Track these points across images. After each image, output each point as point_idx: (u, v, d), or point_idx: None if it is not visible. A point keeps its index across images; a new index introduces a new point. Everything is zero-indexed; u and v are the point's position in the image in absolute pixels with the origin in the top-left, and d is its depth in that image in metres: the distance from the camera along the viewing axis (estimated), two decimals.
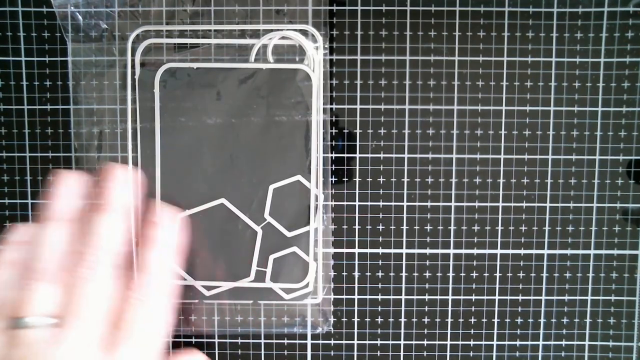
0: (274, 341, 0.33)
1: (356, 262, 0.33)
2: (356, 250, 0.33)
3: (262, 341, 0.33)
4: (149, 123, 0.30)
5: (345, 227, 0.32)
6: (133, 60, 0.30)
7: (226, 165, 0.30)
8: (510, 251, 0.33)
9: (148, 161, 0.30)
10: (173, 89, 0.30)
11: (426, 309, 0.33)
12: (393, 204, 0.32)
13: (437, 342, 0.33)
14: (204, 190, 0.30)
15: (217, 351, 0.33)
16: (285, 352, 0.33)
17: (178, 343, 0.33)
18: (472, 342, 0.33)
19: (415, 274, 0.33)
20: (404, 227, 0.33)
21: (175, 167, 0.30)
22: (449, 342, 0.33)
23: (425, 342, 0.33)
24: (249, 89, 0.30)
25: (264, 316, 0.33)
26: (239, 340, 0.33)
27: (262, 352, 0.33)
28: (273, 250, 0.31)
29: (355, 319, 0.33)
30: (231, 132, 0.30)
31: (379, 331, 0.33)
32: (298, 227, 0.31)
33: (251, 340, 0.33)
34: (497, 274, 0.33)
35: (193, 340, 0.33)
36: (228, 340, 0.33)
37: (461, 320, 0.33)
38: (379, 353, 0.33)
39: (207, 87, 0.30)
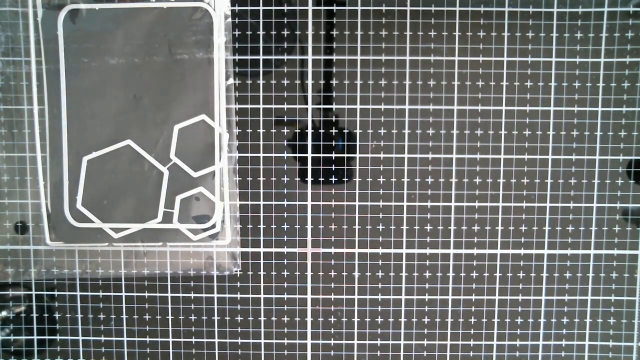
0: (274, 341, 0.33)
1: (356, 262, 0.33)
2: (356, 250, 0.33)
3: (262, 341, 0.33)
4: (53, 64, 0.30)
5: (345, 227, 0.32)
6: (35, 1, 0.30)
7: (130, 106, 0.30)
8: (510, 251, 0.33)
9: (54, 102, 0.30)
10: (76, 30, 0.30)
11: (426, 309, 0.33)
12: (393, 204, 0.32)
13: (437, 342, 0.33)
14: (109, 132, 0.30)
15: (217, 351, 0.33)
16: (285, 352, 0.33)
17: (178, 343, 0.33)
18: (472, 342, 0.33)
19: (415, 274, 0.33)
20: (404, 227, 0.33)
21: (81, 109, 0.30)
22: (449, 342, 0.33)
23: (425, 342, 0.33)
24: (151, 28, 0.30)
25: (171, 258, 0.33)
26: (239, 340, 0.33)
27: (262, 352, 0.33)
28: (179, 191, 0.31)
29: (355, 319, 0.33)
30: (134, 72, 0.30)
31: (379, 331, 0.33)
32: (204, 167, 0.31)
33: (251, 340, 0.33)
34: (497, 274, 0.33)
35: (193, 340, 0.33)
36: (228, 340, 0.33)
37: (461, 320, 0.33)
38: (379, 353, 0.33)
39: (110, 28, 0.30)
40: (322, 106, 0.32)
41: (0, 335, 0.34)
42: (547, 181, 0.32)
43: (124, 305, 0.33)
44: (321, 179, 0.32)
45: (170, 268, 0.33)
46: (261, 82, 0.32)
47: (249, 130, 0.32)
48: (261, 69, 0.32)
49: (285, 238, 0.33)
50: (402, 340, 0.33)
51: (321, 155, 0.32)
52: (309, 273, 0.33)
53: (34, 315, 0.33)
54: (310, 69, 0.32)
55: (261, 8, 0.31)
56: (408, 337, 0.33)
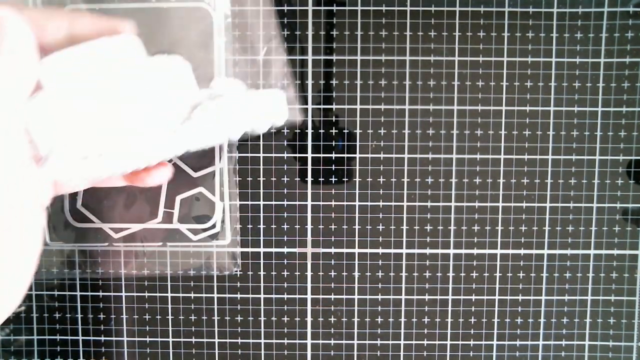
0: (274, 341, 0.33)
1: (356, 262, 0.33)
2: (356, 250, 0.33)
3: (262, 341, 0.33)
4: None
5: (345, 227, 0.32)
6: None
7: None
8: (510, 251, 0.33)
9: None
10: None
11: (426, 309, 0.33)
12: (393, 204, 0.32)
13: (437, 342, 0.33)
14: None
15: (217, 351, 0.33)
16: (285, 352, 0.33)
17: (178, 343, 0.33)
18: (472, 342, 0.33)
19: (415, 274, 0.33)
20: (404, 227, 0.33)
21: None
22: (449, 342, 0.33)
23: (425, 342, 0.33)
24: (151, 28, 0.30)
25: (171, 258, 0.33)
26: (239, 340, 0.33)
27: (262, 352, 0.33)
28: (180, 191, 0.31)
29: (355, 319, 0.33)
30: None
31: (379, 331, 0.33)
32: (204, 167, 0.31)
33: (251, 340, 0.33)
34: (497, 274, 0.33)
35: (193, 340, 0.33)
36: (228, 340, 0.33)
37: (461, 320, 0.33)
38: (379, 353, 0.33)
39: None
40: (322, 106, 0.32)
41: (0, 335, 0.34)
42: (547, 181, 0.32)
43: (124, 305, 0.33)
44: (321, 179, 0.32)
45: (170, 268, 0.33)
46: (261, 82, 0.32)
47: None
48: (261, 69, 0.31)
49: (285, 238, 0.33)
50: (402, 340, 0.33)
51: (321, 155, 0.32)
52: (309, 273, 0.33)
53: (34, 315, 0.33)
54: (310, 69, 0.32)
55: (261, 8, 0.31)
56: (408, 337, 0.33)
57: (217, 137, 0.24)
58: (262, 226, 0.32)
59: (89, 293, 0.33)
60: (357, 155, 0.32)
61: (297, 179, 0.32)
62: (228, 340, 0.33)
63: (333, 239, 0.33)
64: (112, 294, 0.33)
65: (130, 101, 0.23)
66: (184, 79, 0.23)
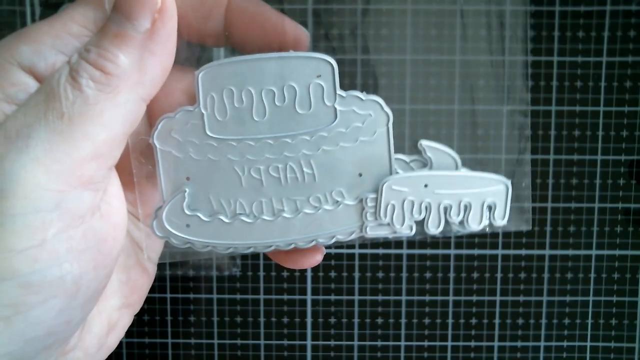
0: (274, 342, 0.33)
1: (356, 262, 0.33)
2: (356, 251, 0.33)
3: (262, 342, 0.33)
4: None
5: None
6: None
7: None
8: (512, 252, 0.32)
9: None
10: None
11: (427, 309, 0.33)
12: None
13: (437, 343, 0.33)
14: None
15: (216, 352, 0.33)
16: (285, 353, 0.33)
17: (177, 344, 0.33)
18: (473, 343, 0.33)
19: (416, 275, 0.33)
20: None
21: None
22: (449, 343, 0.33)
23: (426, 344, 0.33)
24: None
25: (170, 258, 0.32)
26: (239, 341, 0.33)
27: (262, 352, 0.33)
28: None
29: (355, 319, 0.33)
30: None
31: (379, 332, 0.33)
32: None
33: (251, 341, 0.33)
34: (499, 275, 0.33)
35: (192, 341, 0.33)
36: (227, 341, 0.33)
37: (462, 321, 0.33)
38: (379, 354, 0.33)
39: None
40: None
41: None
42: (548, 181, 0.32)
43: None
44: None
45: (170, 268, 0.32)
46: None
47: None
48: None
49: None
50: (402, 342, 0.33)
51: None
52: (308, 273, 0.33)
53: None
54: None
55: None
56: (408, 338, 0.33)
57: (408, 225, 0.17)
58: None
59: None
60: None
61: None
62: (227, 341, 0.33)
63: None
64: None
65: (309, 152, 0.16)
66: (380, 133, 0.17)
